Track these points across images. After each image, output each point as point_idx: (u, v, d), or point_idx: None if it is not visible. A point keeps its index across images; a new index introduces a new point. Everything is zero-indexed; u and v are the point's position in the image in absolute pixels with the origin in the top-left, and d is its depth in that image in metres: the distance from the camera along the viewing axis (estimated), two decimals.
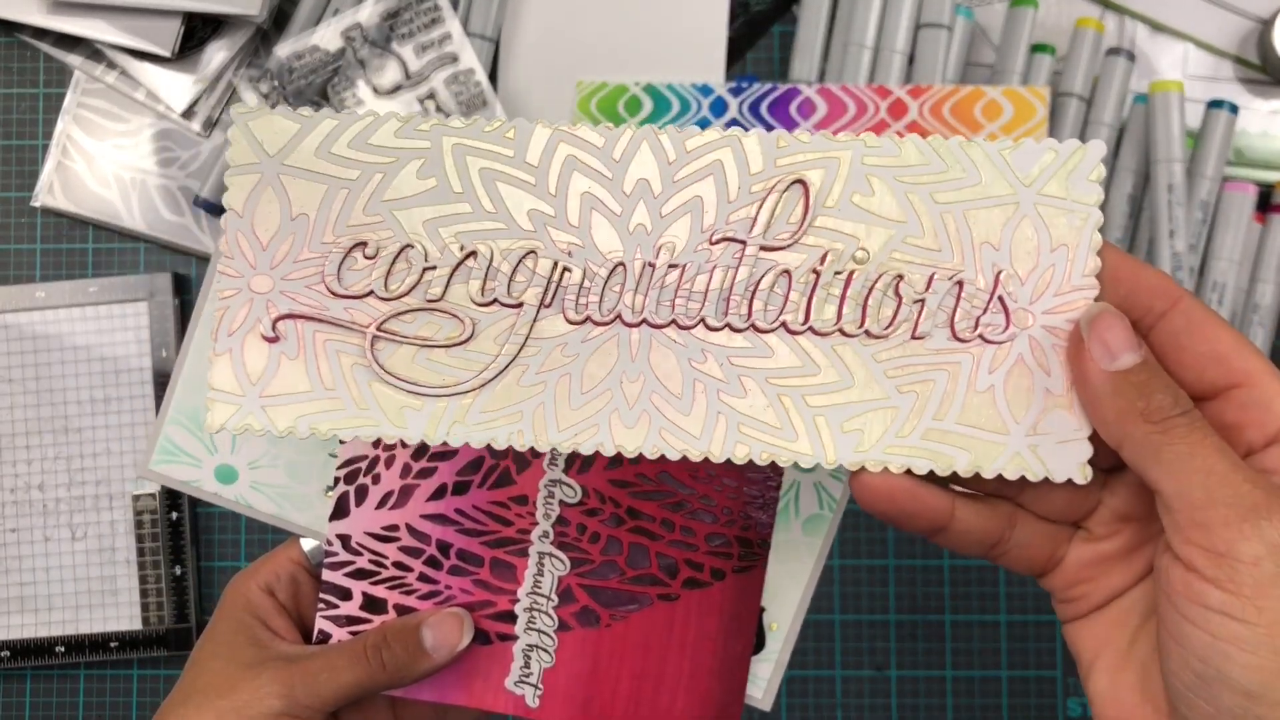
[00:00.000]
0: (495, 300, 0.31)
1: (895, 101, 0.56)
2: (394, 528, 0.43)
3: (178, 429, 0.44)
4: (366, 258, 0.31)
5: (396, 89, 0.59)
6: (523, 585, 0.43)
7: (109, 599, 0.57)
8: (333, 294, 0.31)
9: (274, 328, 0.32)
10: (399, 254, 0.31)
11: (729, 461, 0.31)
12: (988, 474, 0.30)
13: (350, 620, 0.42)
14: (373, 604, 0.42)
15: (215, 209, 0.59)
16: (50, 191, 0.59)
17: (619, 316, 0.31)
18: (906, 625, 0.58)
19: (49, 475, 0.58)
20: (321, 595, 0.42)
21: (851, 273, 0.30)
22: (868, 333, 0.30)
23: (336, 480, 0.43)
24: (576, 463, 0.42)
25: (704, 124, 0.58)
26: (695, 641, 0.43)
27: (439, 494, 0.43)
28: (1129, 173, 0.56)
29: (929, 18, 0.56)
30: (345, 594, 0.42)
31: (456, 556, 0.43)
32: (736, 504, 0.42)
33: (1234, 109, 0.55)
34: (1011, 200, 0.30)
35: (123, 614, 0.58)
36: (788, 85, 0.57)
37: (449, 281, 0.31)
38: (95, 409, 0.58)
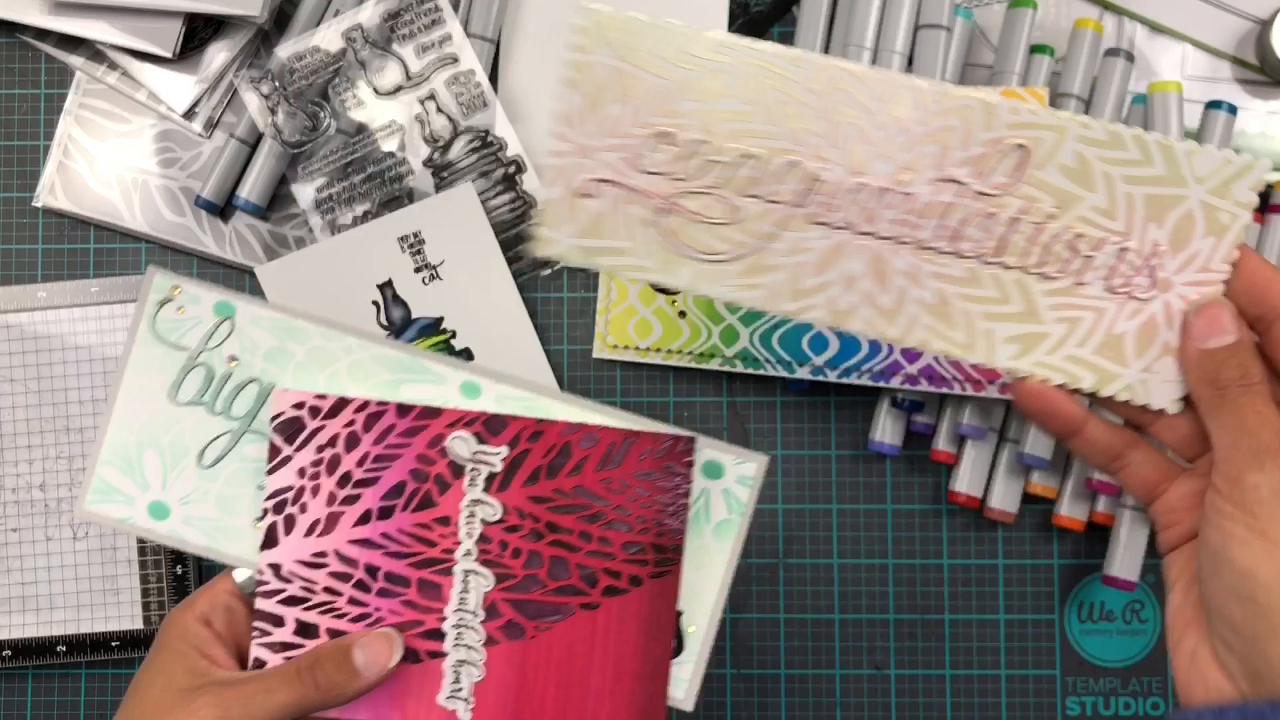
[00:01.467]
0: (760, 195, 0.39)
1: None
2: (322, 554, 0.44)
3: (110, 469, 0.45)
4: (667, 144, 0.39)
5: (397, 90, 0.59)
6: (449, 603, 0.44)
7: (110, 598, 0.58)
8: (637, 169, 0.39)
9: (590, 186, 0.39)
10: (692, 147, 0.39)
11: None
12: (1104, 394, 0.38)
13: (285, 646, 0.44)
14: (306, 629, 0.44)
15: (216, 209, 0.59)
16: (52, 192, 0.60)
17: (851, 224, 0.38)
18: (905, 624, 0.58)
19: (50, 475, 0.58)
20: (255, 623, 0.44)
21: (1043, 224, 0.38)
22: (1043, 274, 0.38)
23: (265, 511, 0.44)
24: (495, 481, 0.44)
25: None
26: (617, 647, 0.44)
27: (364, 519, 0.44)
28: None
29: (928, 19, 0.57)
30: (278, 621, 0.44)
31: (384, 579, 0.44)
32: (650, 512, 0.44)
33: (1232, 109, 0.55)
34: (1183, 193, 0.37)
35: (124, 613, 0.58)
36: None
37: (731, 174, 0.39)
38: (97, 409, 0.58)
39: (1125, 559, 0.54)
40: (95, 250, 0.60)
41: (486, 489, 0.44)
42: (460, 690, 0.44)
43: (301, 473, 0.44)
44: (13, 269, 0.60)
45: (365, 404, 0.44)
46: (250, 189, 0.58)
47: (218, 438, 0.45)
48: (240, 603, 0.44)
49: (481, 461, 0.44)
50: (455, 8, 0.59)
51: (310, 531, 0.44)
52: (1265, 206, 0.56)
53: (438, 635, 0.44)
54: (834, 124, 0.38)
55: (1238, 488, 0.34)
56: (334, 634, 0.44)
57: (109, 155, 0.59)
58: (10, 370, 0.58)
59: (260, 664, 0.43)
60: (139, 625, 0.58)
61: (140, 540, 0.58)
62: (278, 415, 0.44)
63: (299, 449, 0.44)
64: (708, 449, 0.45)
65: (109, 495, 0.45)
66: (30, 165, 0.61)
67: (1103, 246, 0.37)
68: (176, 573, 0.58)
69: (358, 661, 0.42)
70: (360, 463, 0.44)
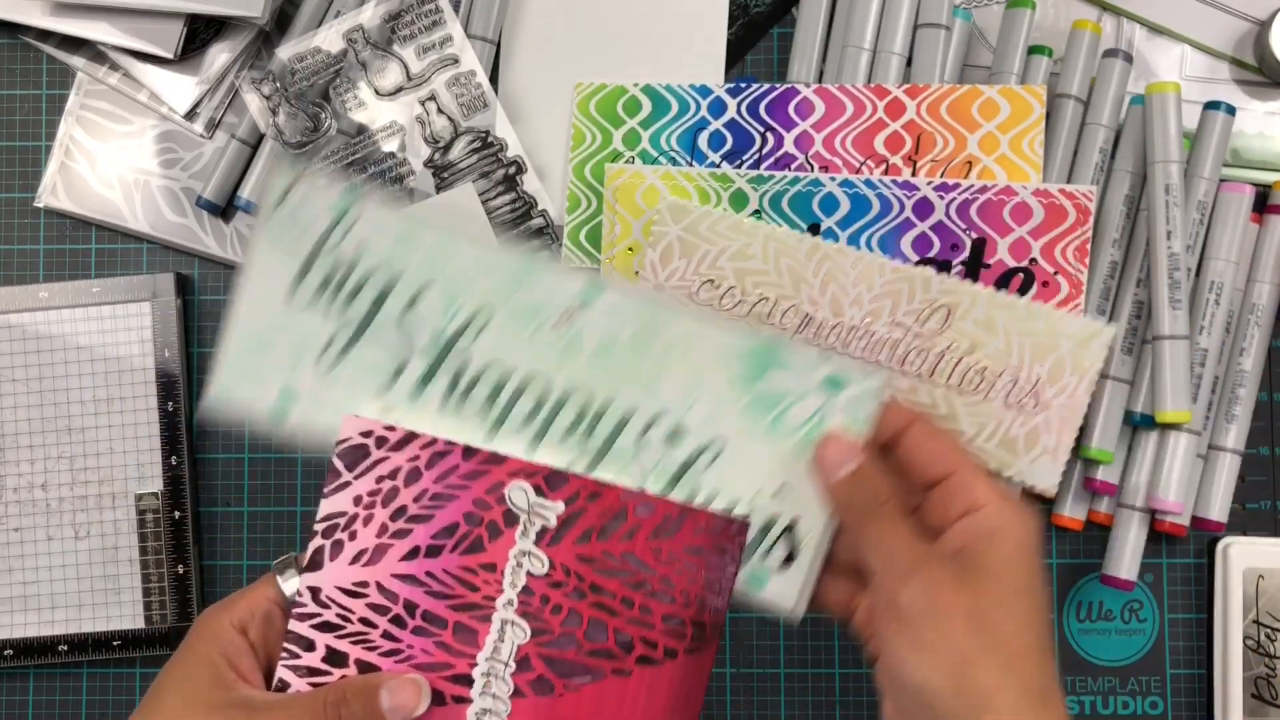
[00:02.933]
0: (772, 324, 0.54)
1: (892, 101, 0.56)
2: (364, 584, 0.44)
3: (232, 369, 0.45)
4: (712, 287, 0.55)
5: (398, 90, 0.59)
6: (483, 650, 0.44)
7: (112, 598, 0.58)
8: (694, 302, 0.55)
9: None
10: (727, 289, 0.55)
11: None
12: (1003, 475, 0.52)
13: (311, 671, 0.43)
14: (335, 657, 0.43)
15: (218, 210, 0.59)
16: (53, 192, 0.60)
17: (833, 349, 0.54)
18: None
19: (52, 475, 0.58)
20: (285, 644, 0.43)
21: (960, 358, 0.53)
22: (960, 390, 0.53)
23: (314, 534, 0.44)
24: (547, 536, 0.44)
25: (703, 124, 0.58)
26: (643, 716, 0.44)
27: (412, 555, 0.44)
28: (1126, 174, 0.56)
29: (927, 19, 0.57)
30: (309, 645, 0.43)
31: (421, 618, 0.44)
32: (695, 588, 0.44)
33: (1231, 110, 0.55)
34: (1056, 345, 0.52)
35: (125, 613, 0.58)
36: (785, 85, 0.58)
37: (750, 309, 0.55)
38: (98, 409, 0.58)
39: (1124, 558, 0.54)
40: (97, 251, 0.60)
41: (538, 541, 0.44)
42: None
43: (357, 500, 0.44)
44: (14, 269, 0.61)
45: (433, 441, 0.44)
46: (252, 190, 0.58)
47: (334, 340, 0.45)
48: (281, 613, 0.43)
49: (537, 514, 0.44)
50: (456, 9, 0.59)
51: (356, 560, 0.44)
52: (1264, 207, 0.56)
53: (466, 680, 0.44)
54: (822, 280, 0.54)
55: (894, 607, 0.38)
56: (363, 665, 0.43)
57: (110, 156, 0.60)
58: (12, 370, 0.58)
59: (284, 685, 0.43)
60: (140, 625, 0.58)
61: (141, 540, 0.58)
62: (344, 440, 0.44)
63: (359, 476, 0.44)
64: (824, 366, 0.45)
65: (233, 389, 0.45)
66: (32, 166, 0.61)
67: (1001, 375, 0.52)
68: (178, 572, 0.58)
69: (384, 704, 0.41)
70: (417, 498, 0.44)
